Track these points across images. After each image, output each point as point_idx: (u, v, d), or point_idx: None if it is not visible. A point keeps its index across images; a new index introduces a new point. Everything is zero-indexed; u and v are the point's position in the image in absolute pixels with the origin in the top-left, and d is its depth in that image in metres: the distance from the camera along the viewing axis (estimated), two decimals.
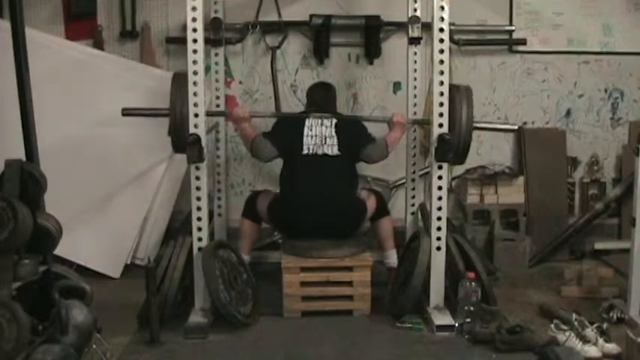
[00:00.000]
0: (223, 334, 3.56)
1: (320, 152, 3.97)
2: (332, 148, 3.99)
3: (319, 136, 4.00)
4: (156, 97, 4.61)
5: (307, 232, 3.92)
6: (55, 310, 3.02)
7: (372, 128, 4.22)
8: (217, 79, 4.61)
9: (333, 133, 4.00)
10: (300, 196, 3.93)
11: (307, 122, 4.03)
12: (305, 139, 3.98)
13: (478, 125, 3.84)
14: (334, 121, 4.05)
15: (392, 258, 4.17)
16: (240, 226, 4.24)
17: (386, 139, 4.03)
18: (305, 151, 3.97)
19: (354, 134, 4.06)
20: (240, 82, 4.96)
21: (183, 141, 3.60)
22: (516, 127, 4.30)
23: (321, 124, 4.02)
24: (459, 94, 3.72)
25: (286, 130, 4.06)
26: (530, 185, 4.92)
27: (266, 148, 4.00)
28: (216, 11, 4.52)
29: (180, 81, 3.66)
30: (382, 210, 4.20)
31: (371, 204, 4.10)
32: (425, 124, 4.24)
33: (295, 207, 3.92)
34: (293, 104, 4.90)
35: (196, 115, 3.58)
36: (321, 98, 4.24)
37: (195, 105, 3.57)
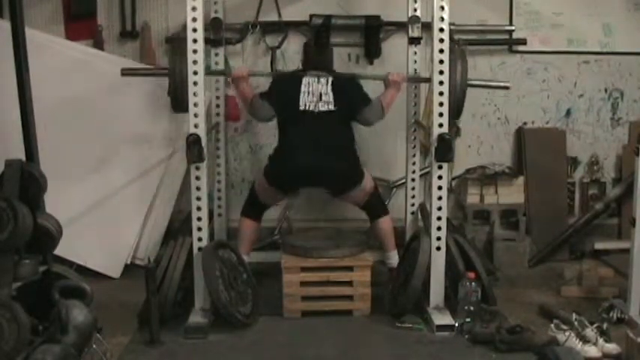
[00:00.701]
0: (223, 334, 3.56)
1: (316, 109, 3.99)
2: (328, 105, 3.99)
3: (315, 93, 4.01)
4: (156, 97, 4.63)
5: (304, 181, 4.00)
6: (55, 310, 3.03)
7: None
8: (217, 79, 4.60)
9: (329, 91, 4.01)
10: (297, 148, 3.95)
11: (304, 80, 4.03)
12: (302, 95, 3.99)
13: (471, 83, 3.88)
14: (330, 79, 4.05)
15: (393, 259, 4.18)
16: (239, 226, 4.24)
17: (381, 100, 4.03)
18: (302, 107, 3.99)
19: (350, 93, 4.06)
20: None
21: (182, 100, 3.66)
22: (509, 85, 4.30)
23: (318, 82, 4.03)
24: (453, 54, 3.73)
25: (283, 88, 4.08)
26: (530, 185, 4.92)
27: (263, 108, 4.04)
28: (216, 11, 4.52)
29: (176, 43, 3.74)
30: (380, 207, 4.21)
31: (368, 179, 4.11)
32: (423, 81, 4.26)
33: (292, 157, 3.95)
34: None
35: (196, 115, 3.58)
36: (317, 56, 4.24)
37: (195, 105, 3.57)
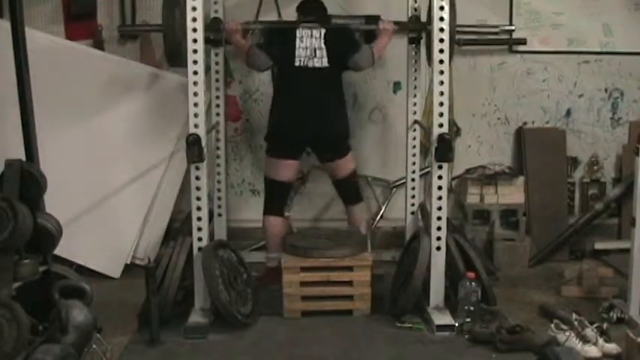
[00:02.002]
0: (223, 334, 3.56)
1: (310, 65, 4.04)
2: (322, 61, 4.05)
3: (310, 47, 4.05)
4: (156, 97, 4.63)
5: (301, 138, 4.11)
6: (55, 310, 3.03)
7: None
8: (217, 79, 4.61)
9: (322, 45, 4.05)
10: (292, 105, 4.07)
11: (298, 33, 4.07)
12: (297, 50, 4.04)
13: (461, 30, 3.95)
14: (323, 31, 4.08)
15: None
16: (264, 226, 4.22)
17: (372, 47, 4.10)
18: (297, 63, 4.04)
19: (341, 43, 4.11)
20: (240, 82, 4.96)
21: (178, 54, 3.70)
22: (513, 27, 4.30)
23: (311, 36, 4.06)
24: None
25: (278, 41, 4.12)
26: (531, 185, 4.91)
27: (261, 57, 4.09)
28: (216, 11, 4.52)
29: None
30: (356, 193, 4.36)
31: (353, 158, 4.29)
32: (416, 29, 4.28)
33: (288, 114, 4.09)
34: None
35: (196, 115, 3.58)
36: (311, 9, 4.23)
37: (196, 105, 3.57)
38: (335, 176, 4.29)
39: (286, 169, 4.15)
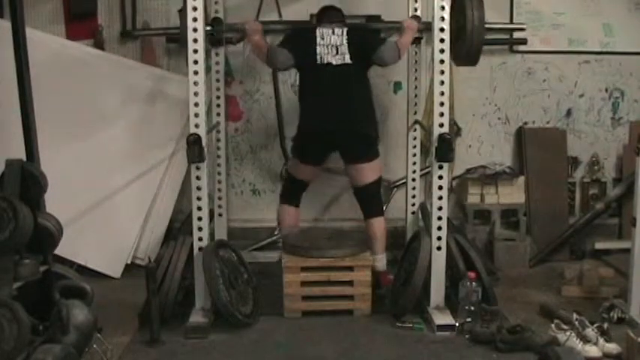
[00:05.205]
0: (224, 334, 3.56)
1: (333, 62, 3.97)
2: (344, 57, 3.98)
3: (331, 45, 3.99)
4: (156, 97, 4.63)
5: (328, 142, 4.02)
6: (55, 309, 3.02)
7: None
8: (218, 78, 4.61)
9: (344, 42, 3.98)
10: (317, 108, 3.99)
11: (318, 32, 4.01)
12: (318, 48, 3.98)
13: (489, 26, 3.85)
14: (345, 29, 4.03)
15: (380, 262, 4.09)
16: (278, 213, 4.31)
17: (397, 42, 4.02)
18: (319, 61, 3.98)
19: (364, 39, 4.06)
20: (241, 82, 4.96)
21: None
22: (524, 27, 4.20)
23: (333, 33, 4.00)
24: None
25: (299, 41, 4.07)
26: (531, 185, 4.91)
27: (282, 55, 4.03)
28: (216, 11, 4.52)
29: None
30: (377, 206, 4.17)
31: (381, 165, 4.17)
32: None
33: (314, 119, 4.00)
34: (294, 103, 4.89)
35: (197, 115, 3.58)
36: (330, 14, 4.19)
37: (196, 105, 3.58)
38: (356, 183, 4.08)
39: (307, 172, 4.19)
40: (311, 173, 4.21)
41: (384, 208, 4.90)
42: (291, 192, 4.27)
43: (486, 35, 3.75)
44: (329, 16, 4.15)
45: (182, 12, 3.75)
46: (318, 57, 3.97)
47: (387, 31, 4.47)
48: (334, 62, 3.96)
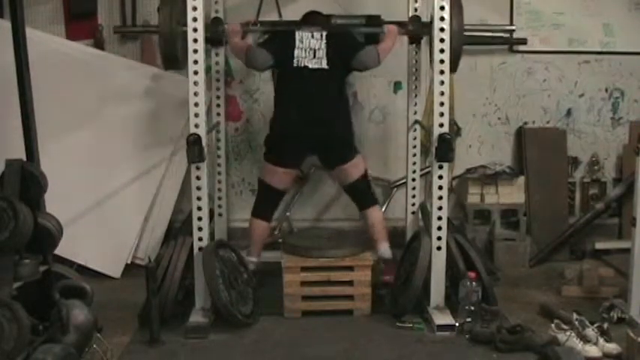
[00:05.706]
0: (224, 334, 3.56)
1: (310, 65, 3.96)
2: (321, 62, 3.97)
3: (310, 48, 3.98)
4: (156, 97, 4.63)
5: (302, 147, 4.01)
6: (55, 309, 3.03)
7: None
8: (218, 78, 4.61)
9: (323, 46, 3.98)
10: (292, 112, 3.96)
11: (298, 35, 4.00)
12: (296, 51, 3.97)
13: (470, 34, 3.85)
14: (324, 33, 4.02)
15: (385, 251, 4.07)
16: (250, 227, 4.18)
17: (377, 47, 4.02)
18: (295, 64, 3.96)
19: (344, 44, 4.05)
20: (241, 82, 4.96)
21: (173, 57, 3.76)
22: (513, 28, 4.18)
23: (312, 37, 4.00)
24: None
25: (279, 42, 4.07)
26: (531, 185, 4.91)
27: (261, 55, 4.01)
28: (216, 11, 4.52)
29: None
30: (369, 196, 4.17)
31: (362, 161, 4.13)
32: (422, 32, 4.19)
33: (288, 122, 3.98)
34: None
35: (197, 115, 3.58)
36: (311, 18, 4.20)
37: (196, 105, 3.57)
38: (343, 182, 4.12)
39: (282, 177, 4.06)
40: (287, 179, 4.11)
41: (384, 208, 4.93)
42: (265, 204, 4.15)
43: (475, 39, 3.75)
44: (311, 20, 4.15)
45: (161, 10, 3.79)
46: (295, 60, 3.96)
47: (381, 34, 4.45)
48: (310, 66, 3.95)
